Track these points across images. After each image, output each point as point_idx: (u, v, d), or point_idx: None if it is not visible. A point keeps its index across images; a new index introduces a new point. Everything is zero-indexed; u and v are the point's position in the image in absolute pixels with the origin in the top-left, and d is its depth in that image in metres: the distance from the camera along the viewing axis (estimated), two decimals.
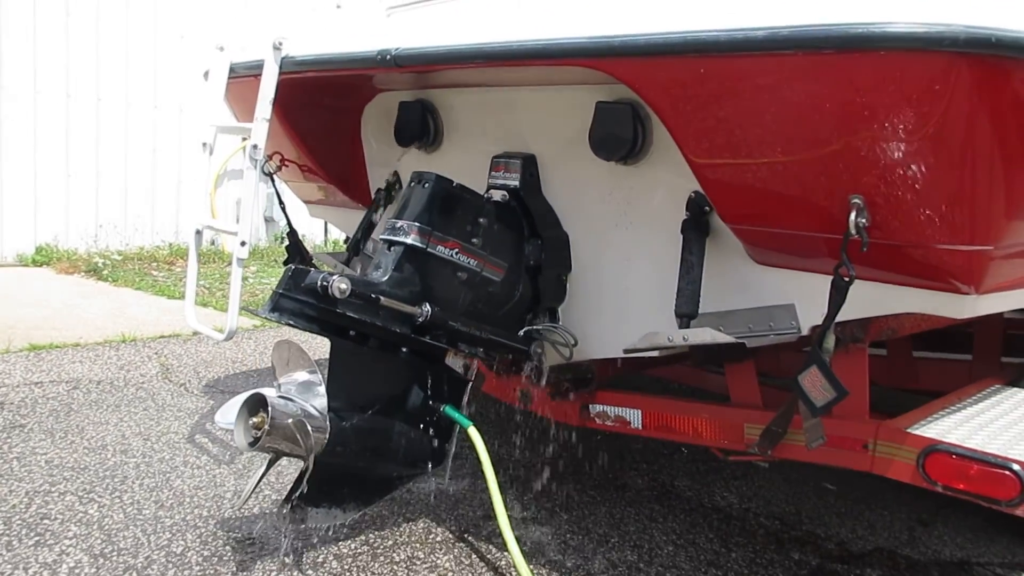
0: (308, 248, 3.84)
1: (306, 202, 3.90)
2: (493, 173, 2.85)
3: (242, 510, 2.79)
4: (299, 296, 2.33)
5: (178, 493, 2.91)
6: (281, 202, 3.79)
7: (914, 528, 3.05)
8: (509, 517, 2.43)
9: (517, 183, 2.78)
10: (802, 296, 2.28)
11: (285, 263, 3.64)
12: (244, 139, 10.23)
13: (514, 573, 2.48)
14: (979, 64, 1.63)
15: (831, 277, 2.11)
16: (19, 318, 5.38)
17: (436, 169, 3.07)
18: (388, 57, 2.44)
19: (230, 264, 8.84)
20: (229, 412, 2.58)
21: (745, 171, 2.04)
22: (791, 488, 3.30)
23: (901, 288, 2.05)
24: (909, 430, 2.20)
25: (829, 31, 1.68)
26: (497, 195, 2.82)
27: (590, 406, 2.91)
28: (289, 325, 2.33)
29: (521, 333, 2.79)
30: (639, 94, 2.09)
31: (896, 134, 1.75)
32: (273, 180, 3.67)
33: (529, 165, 2.80)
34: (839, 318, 2.06)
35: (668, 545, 2.78)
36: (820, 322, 2.25)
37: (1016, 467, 2.00)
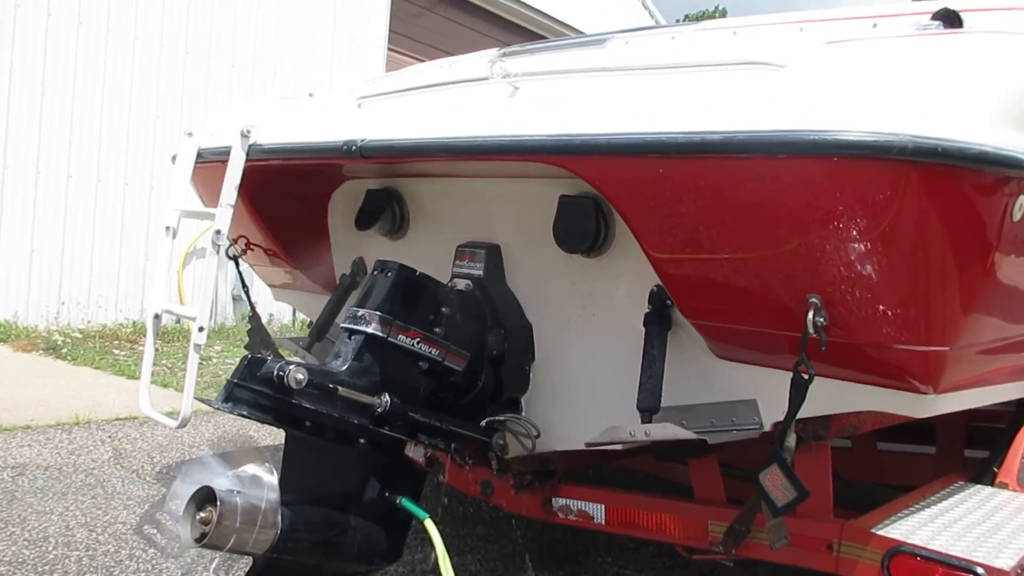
0: (274, 330, 3.80)
1: (271, 286, 3.87)
2: (458, 262, 2.86)
3: None
4: (254, 386, 2.28)
5: None
6: (244, 286, 3.75)
7: None
8: None
9: (481, 272, 2.79)
10: (764, 392, 2.27)
11: (246, 347, 3.60)
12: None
13: None
14: (926, 171, 1.68)
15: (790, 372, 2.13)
16: None
17: (401, 256, 3.07)
18: (354, 148, 2.46)
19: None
20: (177, 498, 2.48)
21: (704, 267, 2.06)
22: None
23: (861, 386, 2.06)
24: (873, 530, 2.17)
25: (784, 136, 1.72)
26: (461, 284, 2.82)
27: (553, 499, 2.85)
28: (243, 416, 2.27)
29: (483, 424, 2.74)
30: (599, 191, 2.12)
31: (850, 236, 1.78)
32: (237, 262, 3.65)
33: (493, 255, 2.81)
34: (800, 415, 2.06)
35: None
36: (782, 418, 2.25)
37: (980, 570, 1.98)
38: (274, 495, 2.29)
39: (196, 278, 8.88)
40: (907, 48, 1.86)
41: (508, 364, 2.76)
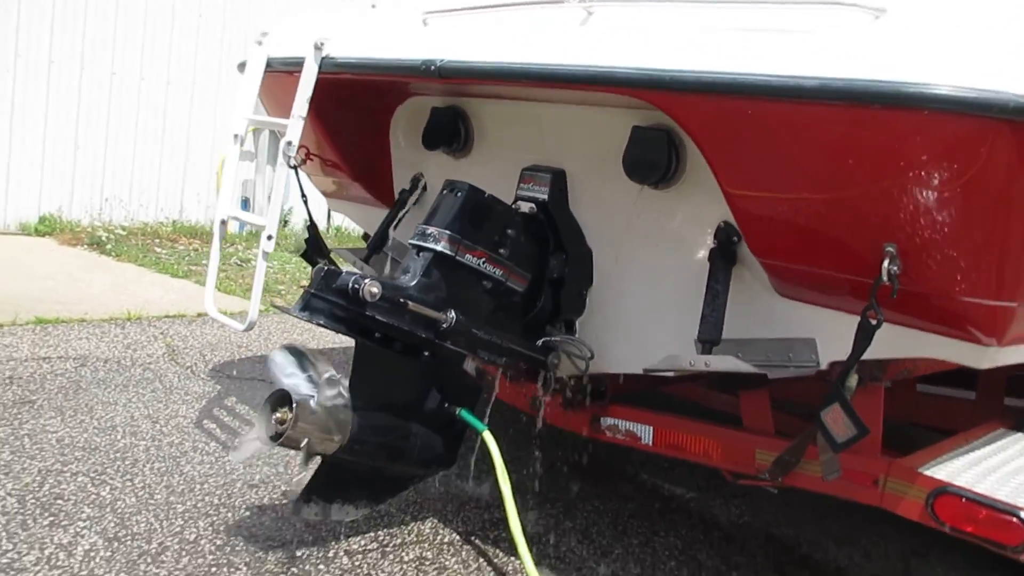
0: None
1: (327, 196, 3.92)
2: (522, 185, 2.88)
3: (251, 500, 2.82)
4: (330, 297, 2.37)
5: (188, 479, 2.94)
6: (304, 195, 3.80)
7: (909, 559, 3.11)
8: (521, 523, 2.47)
9: (546, 196, 2.81)
10: (824, 332, 2.32)
11: (303, 255, 3.67)
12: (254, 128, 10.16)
13: None
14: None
15: (855, 316, 2.17)
16: (23, 290, 5.38)
17: (463, 175, 3.11)
18: (432, 68, 2.47)
19: (232, 245, 8.78)
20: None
21: (781, 209, 2.08)
22: (790, 510, 3.35)
23: (924, 334, 2.10)
24: (920, 470, 2.26)
25: (882, 87, 1.71)
26: (525, 207, 2.86)
27: (601, 419, 2.95)
28: (319, 325, 2.36)
29: (539, 343, 2.83)
30: (684, 127, 2.13)
31: (935, 189, 1.79)
32: (297, 172, 3.69)
33: (559, 180, 2.83)
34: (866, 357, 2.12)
35: (671, 560, 2.83)
36: (840, 358, 2.30)
37: (1023, 514, 2.06)
38: (345, 400, 2.40)
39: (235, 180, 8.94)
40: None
41: (567, 288, 2.83)
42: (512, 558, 2.66)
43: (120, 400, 3.64)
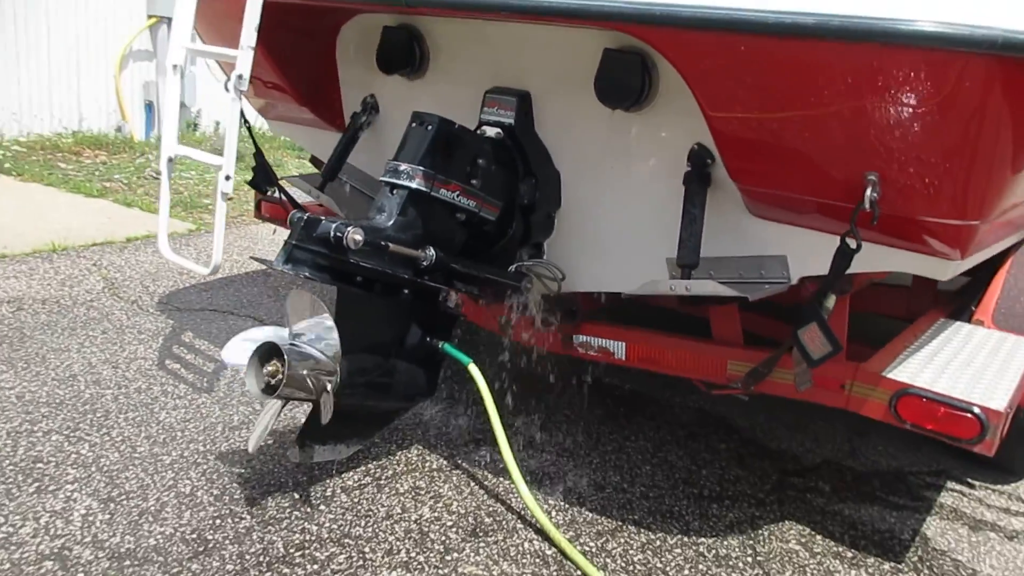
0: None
1: (267, 117, 3.74)
2: (487, 109, 2.83)
3: (235, 443, 2.83)
4: (312, 247, 2.32)
5: (167, 427, 2.91)
6: (245, 120, 3.62)
7: (853, 439, 3.39)
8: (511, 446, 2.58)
9: (512, 121, 2.78)
10: (795, 249, 2.43)
11: (251, 184, 3.54)
12: (152, 18, 9.42)
13: (512, 500, 2.65)
14: (1012, 66, 1.74)
15: (824, 234, 2.28)
16: None
17: (418, 98, 3.03)
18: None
19: (142, 155, 8.32)
20: (234, 352, 2.58)
21: (767, 139, 2.12)
22: (740, 402, 3.56)
23: (895, 251, 2.23)
24: (884, 373, 2.44)
25: (873, 25, 1.74)
26: (491, 132, 2.81)
27: (574, 336, 3.04)
28: (304, 277, 2.32)
29: (512, 269, 2.86)
30: (674, 63, 2.11)
31: (917, 121, 1.86)
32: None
33: (524, 103, 2.79)
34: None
35: (645, 465, 3.01)
36: (809, 273, 2.44)
37: (976, 410, 2.27)
38: (334, 346, 2.40)
39: (134, 82, 8.39)
40: None
41: (537, 212, 2.84)
42: (500, 479, 2.78)
43: (71, 345, 3.51)
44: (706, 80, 2.10)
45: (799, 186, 2.20)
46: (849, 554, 2.58)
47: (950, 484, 3.11)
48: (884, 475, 3.14)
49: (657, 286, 2.53)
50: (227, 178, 2.74)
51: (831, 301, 2.21)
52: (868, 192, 1.99)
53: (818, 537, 2.66)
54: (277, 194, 3.66)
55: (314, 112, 3.41)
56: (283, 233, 2.49)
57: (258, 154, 3.50)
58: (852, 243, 2.09)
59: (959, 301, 3.23)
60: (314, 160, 4.04)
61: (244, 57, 2.62)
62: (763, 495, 2.88)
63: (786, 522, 2.72)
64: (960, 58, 1.74)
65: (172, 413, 3.01)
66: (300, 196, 3.68)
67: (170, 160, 2.94)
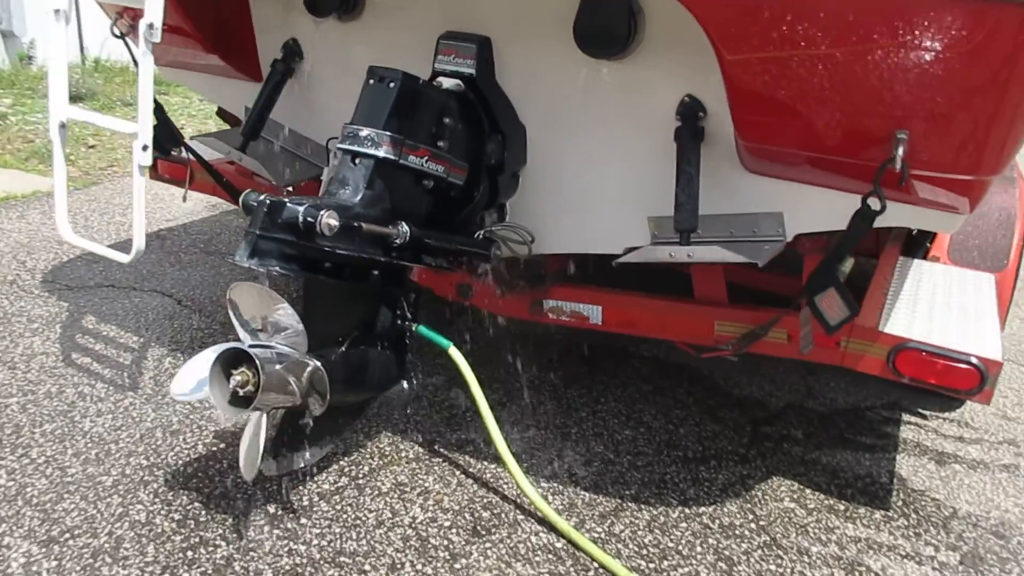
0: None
1: (165, 66, 3.24)
2: (442, 56, 2.52)
3: (182, 451, 2.49)
4: (278, 235, 1.99)
5: (96, 439, 2.52)
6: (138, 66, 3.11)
7: (806, 378, 3.42)
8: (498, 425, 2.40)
9: (473, 71, 2.48)
10: (791, 205, 2.32)
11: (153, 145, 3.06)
12: None
13: (504, 488, 2.48)
14: None
15: (822, 189, 2.19)
16: None
17: (351, 43, 2.70)
18: None
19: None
20: (187, 382, 2.22)
21: (790, 91, 1.95)
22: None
23: (907, 207, 2.14)
24: (881, 328, 2.39)
25: None
26: (448, 83, 2.52)
27: (544, 301, 2.85)
28: (272, 271, 1.98)
29: (479, 236, 2.62)
30: (690, 10, 1.88)
31: (952, 73, 1.75)
32: (126, 41, 2.98)
33: (485, 49, 2.50)
34: (832, 228, 2.15)
35: (624, 429, 2.90)
36: (805, 230, 2.34)
37: (975, 360, 2.27)
38: (300, 341, 2.11)
39: None
40: None
41: (504, 172, 2.59)
42: (484, 463, 2.60)
43: None
44: (726, 17, 1.89)
45: (817, 143, 2.06)
46: (841, 506, 2.59)
47: (906, 417, 3.20)
48: (845, 413, 3.18)
49: (654, 253, 2.36)
50: (144, 148, 2.32)
51: (849, 265, 2.12)
52: (899, 151, 1.88)
53: (807, 491, 2.65)
54: (184, 154, 3.22)
55: (224, 59, 2.96)
56: (175, 191, 2.10)
57: (159, 110, 3.02)
58: (876, 204, 1.99)
59: (905, 233, 3.23)
60: (221, 113, 3.57)
61: (154, 4, 2.18)
62: (744, 450, 2.85)
63: (774, 478, 2.70)
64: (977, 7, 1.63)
65: (97, 420, 2.62)
66: (208, 155, 3.25)
67: (62, 126, 2.47)
